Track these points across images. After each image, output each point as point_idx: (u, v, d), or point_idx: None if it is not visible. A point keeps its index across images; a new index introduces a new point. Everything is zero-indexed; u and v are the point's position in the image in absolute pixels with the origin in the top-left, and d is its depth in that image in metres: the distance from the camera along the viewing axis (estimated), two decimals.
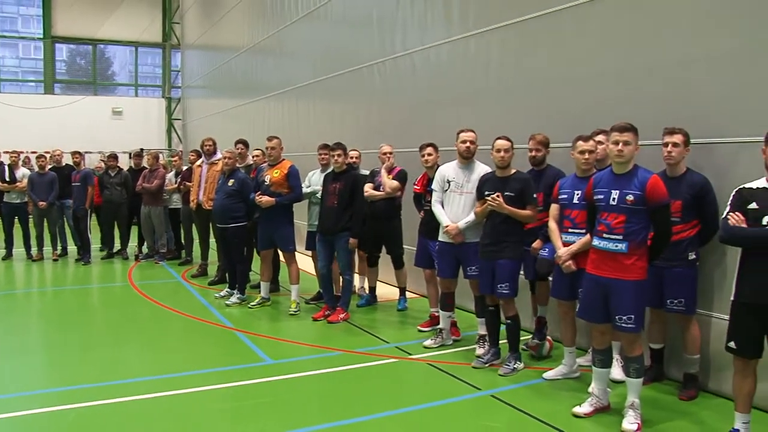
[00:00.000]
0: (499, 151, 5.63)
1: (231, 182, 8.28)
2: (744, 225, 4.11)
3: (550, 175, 5.99)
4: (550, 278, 5.83)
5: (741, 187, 4.27)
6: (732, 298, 4.23)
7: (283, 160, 7.98)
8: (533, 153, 6.09)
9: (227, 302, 8.34)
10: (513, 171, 5.71)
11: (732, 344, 4.23)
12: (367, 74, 10.33)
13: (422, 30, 8.91)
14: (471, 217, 5.98)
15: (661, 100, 5.59)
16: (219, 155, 9.45)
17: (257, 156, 9.20)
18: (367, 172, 8.14)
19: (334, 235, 7.34)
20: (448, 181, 6.19)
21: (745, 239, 4.13)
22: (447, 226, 6.09)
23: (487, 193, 5.66)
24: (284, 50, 14.09)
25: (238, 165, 8.68)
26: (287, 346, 6.70)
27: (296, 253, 8.13)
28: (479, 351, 6.13)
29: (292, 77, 13.46)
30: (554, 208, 5.47)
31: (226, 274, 8.99)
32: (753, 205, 4.12)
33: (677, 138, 5.08)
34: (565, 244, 5.28)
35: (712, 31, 5.21)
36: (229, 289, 8.65)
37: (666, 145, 5.12)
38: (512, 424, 4.78)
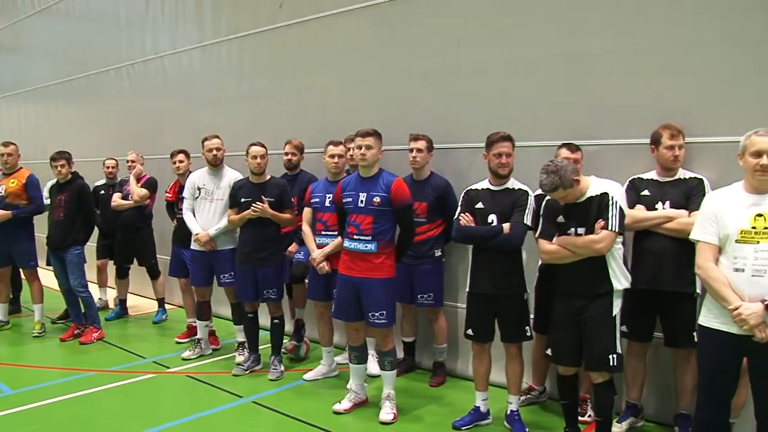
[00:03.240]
0: (255, 157, 5.61)
1: None
2: (472, 224, 4.51)
3: (304, 179, 6.12)
4: (306, 280, 5.94)
5: (468, 188, 4.68)
6: (467, 290, 4.63)
7: (21, 168, 7.28)
8: (289, 157, 6.18)
9: None
10: (268, 177, 5.73)
11: (469, 331, 4.64)
12: (116, 77, 9.77)
13: (173, 33, 8.64)
14: (222, 224, 5.92)
15: (408, 108, 5.97)
16: None
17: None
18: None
19: (64, 250, 6.83)
20: (199, 189, 6.09)
21: (474, 237, 4.54)
22: (197, 234, 5.99)
23: (244, 199, 5.61)
24: (19, 47, 12.85)
25: None
26: (31, 373, 6.12)
27: (38, 268, 7.45)
28: (239, 358, 6.09)
29: (29, 77, 12.32)
30: (307, 212, 5.58)
31: None
32: (479, 205, 4.54)
33: (421, 144, 5.43)
34: (319, 246, 5.41)
35: (453, 45, 5.69)
36: None
37: (411, 150, 5.45)
38: (275, 428, 4.81)
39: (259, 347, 6.01)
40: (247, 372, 5.85)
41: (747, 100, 4.29)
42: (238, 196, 5.67)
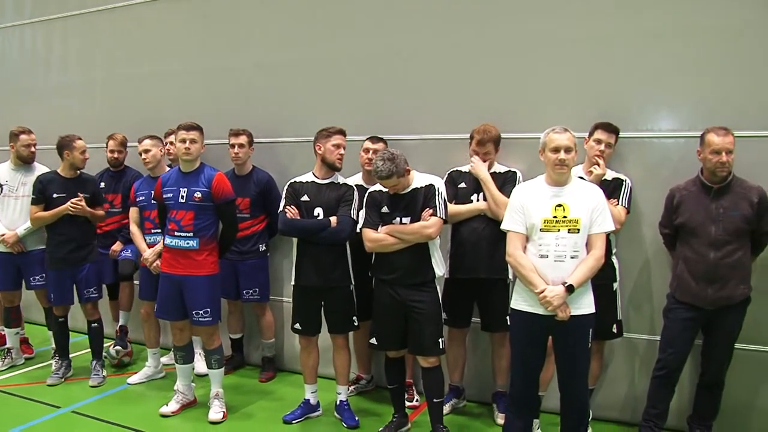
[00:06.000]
0: (83, 152, 5.30)
1: None
2: (297, 217, 4.52)
3: (129, 176, 5.86)
4: (136, 281, 5.70)
5: (292, 180, 4.68)
6: (293, 283, 4.63)
7: None
8: (115, 154, 5.89)
9: None
10: (79, 172, 5.41)
11: (297, 326, 4.66)
12: None
13: None
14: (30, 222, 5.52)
15: (228, 102, 5.87)
16: None
17: None
18: None
19: None
20: (0, 185, 5.63)
21: (302, 230, 4.53)
22: (4, 235, 5.55)
23: (56, 195, 5.25)
24: None
25: None
26: None
27: None
28: (56, 366, 5.69)
29: None
30: (133, 211, 5.37)
31: None
32: (305, 198, 4.55)
33: (242, 139, 5.37)
34: (150, 245, 5.21)
35: (274, 39, 5.69)
36: None
37: (233, 146, 5.37)
38: None
39: (75, 352, 5.71)
40: (63, 380, 5.52)
41: (553, 101, 4.67)
42: (49, 192, 5.28)
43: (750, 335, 4.13)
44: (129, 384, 5.46)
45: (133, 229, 5.35)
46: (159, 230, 5.14)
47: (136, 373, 5.60)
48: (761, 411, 4.18)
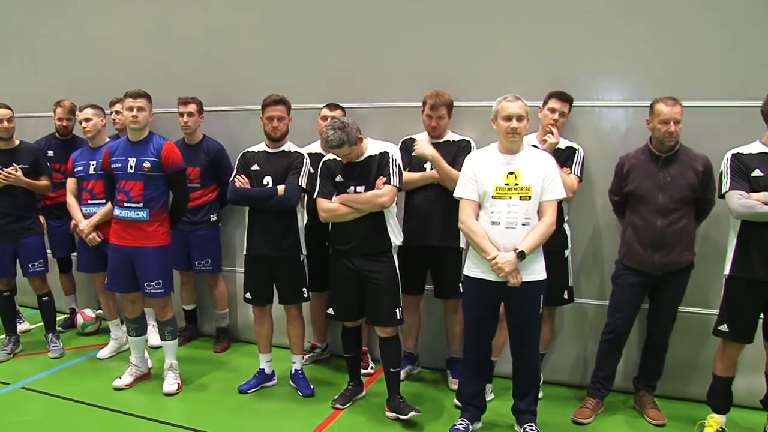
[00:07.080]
0: (1, 121, 5.08)
1: None
2: (247, 186, 4.48)
3: (79, 145, 5.65)
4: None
5: (245, 150, 4.64)
6: (244, 253, 4.61)
7: None
8: (63, 122, 5.71)
9: None
10: (17, 142, 5.23)
11: (248, 295, 4.66)
12: None
13: None
14: None
15: (178, 69, 5.73)
16: None
17: None
18: None
19: None
20: None
21: (249, 198, 4.51)
22: None
23: None
24: None
25: None
26: None
27: None
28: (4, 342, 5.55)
29: None
30: (71, 182, 5.22)
31: None
32: (255, 167, 4.52)
33: (191, 107, 5.28)
34: (87, 216, 5.09)
35: (224, 5, 5.57)
36: None
37: (182, 114, 5.28)
38: (48, 414, 4.47)
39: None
40: (12, 356, 5.39)
41: (506, 69, 4.70)
42: None
43: (692, 299, 4.27)
44: (99, 358, 5.35)
45: (70, 200, 5.21)
46: (96, 201, 5.06)
47: (87, 347, 5.52)
48: (701, 369, 4.32)
